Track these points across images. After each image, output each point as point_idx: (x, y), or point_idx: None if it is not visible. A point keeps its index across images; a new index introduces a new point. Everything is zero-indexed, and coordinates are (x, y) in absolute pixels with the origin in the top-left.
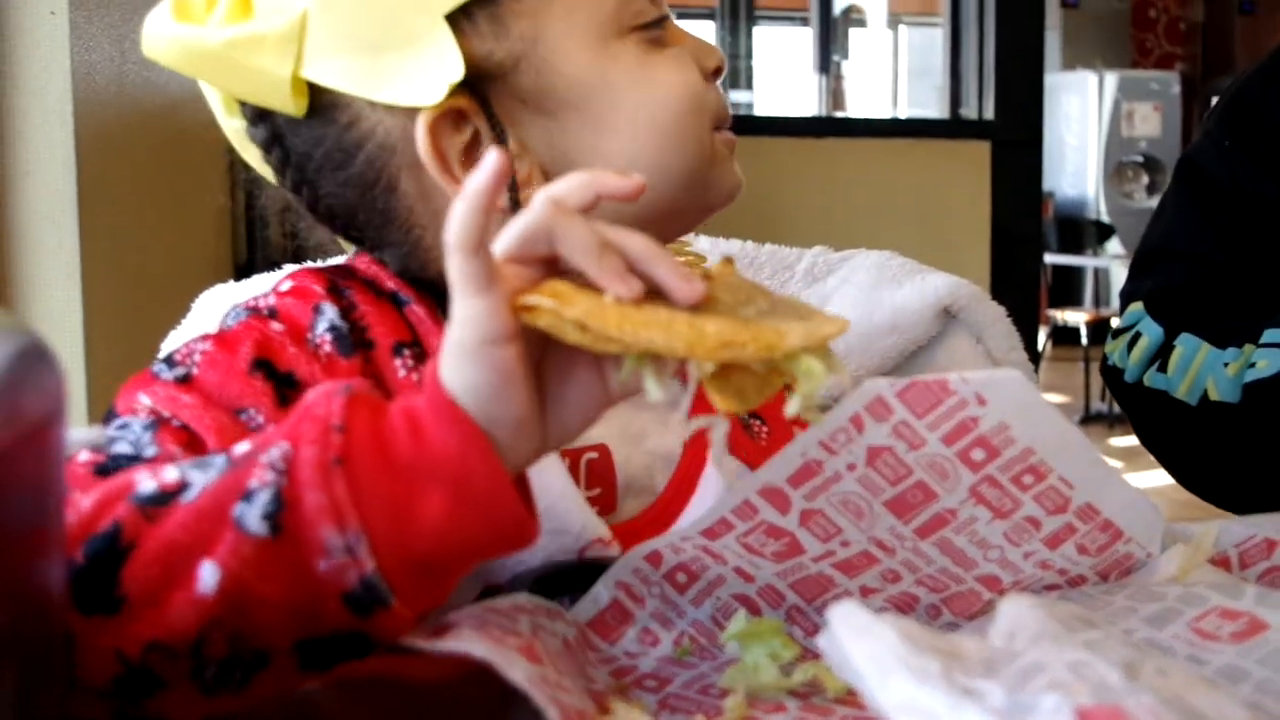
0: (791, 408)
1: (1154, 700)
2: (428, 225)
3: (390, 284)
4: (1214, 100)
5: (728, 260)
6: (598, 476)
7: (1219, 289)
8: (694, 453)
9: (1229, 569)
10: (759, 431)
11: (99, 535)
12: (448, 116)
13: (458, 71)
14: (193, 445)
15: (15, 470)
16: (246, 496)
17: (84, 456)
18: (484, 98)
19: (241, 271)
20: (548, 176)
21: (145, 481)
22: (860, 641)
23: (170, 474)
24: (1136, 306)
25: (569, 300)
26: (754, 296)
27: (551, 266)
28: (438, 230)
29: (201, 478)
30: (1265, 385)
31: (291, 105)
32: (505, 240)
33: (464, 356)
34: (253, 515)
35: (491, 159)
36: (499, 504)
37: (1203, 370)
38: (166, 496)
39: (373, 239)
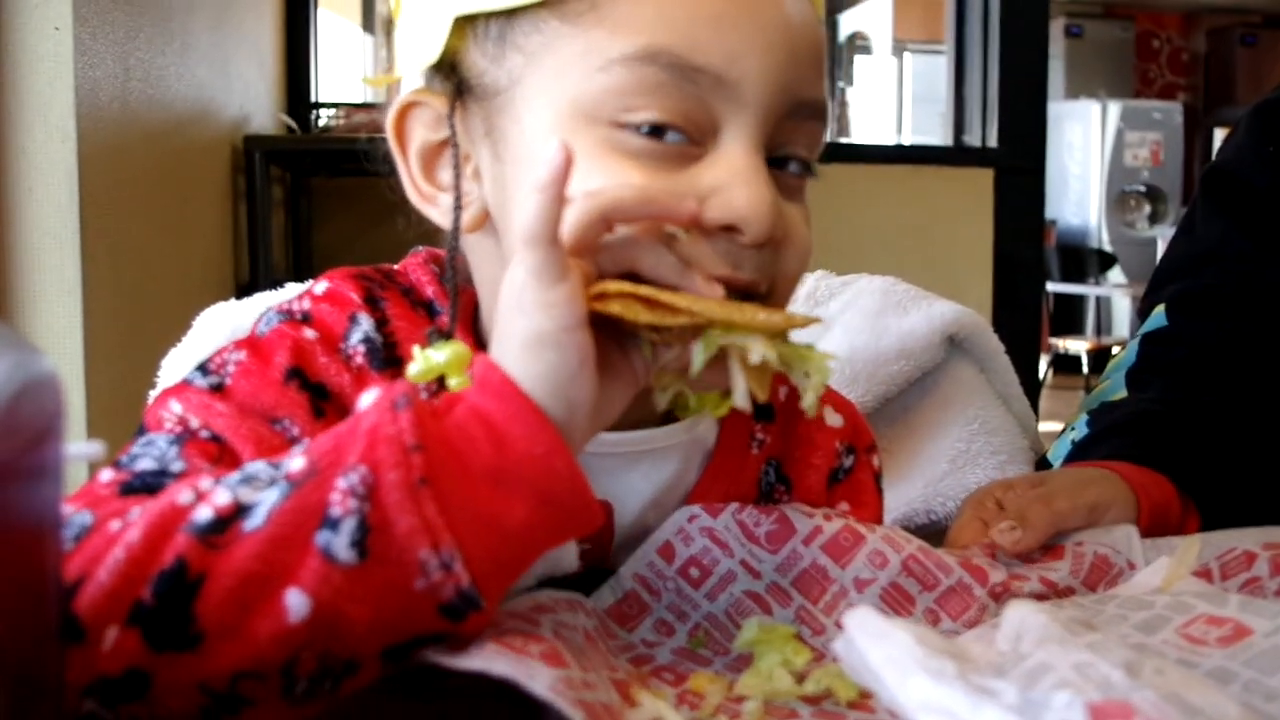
0: (807, 400)
1: (1156, 696)
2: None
3: (430, 291)
4: (1216, 130)
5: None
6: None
7: (1249, 287)
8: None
9: (1210, 580)
10: (780, 497)
11: (165, 573)
12: (424, 109)
13: (431, 56)
14: (223, 457)
15: (11, 485)
16: (330, 524)
17: (106, 476)
18: (463, 112)
19: (243, 290)
20: (488, 215)
21: (200, 510)
22: (877, 645)
23: (221, 496)
24: (1158, 311)
25: (633, 286)
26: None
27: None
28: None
29: (260, 500)
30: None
31: None
32: (565, 231)
33: (543, 344)
34: (340, 543)
35: (554, 148)
36: (578, 502)
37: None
38: (224, 522)
39: None
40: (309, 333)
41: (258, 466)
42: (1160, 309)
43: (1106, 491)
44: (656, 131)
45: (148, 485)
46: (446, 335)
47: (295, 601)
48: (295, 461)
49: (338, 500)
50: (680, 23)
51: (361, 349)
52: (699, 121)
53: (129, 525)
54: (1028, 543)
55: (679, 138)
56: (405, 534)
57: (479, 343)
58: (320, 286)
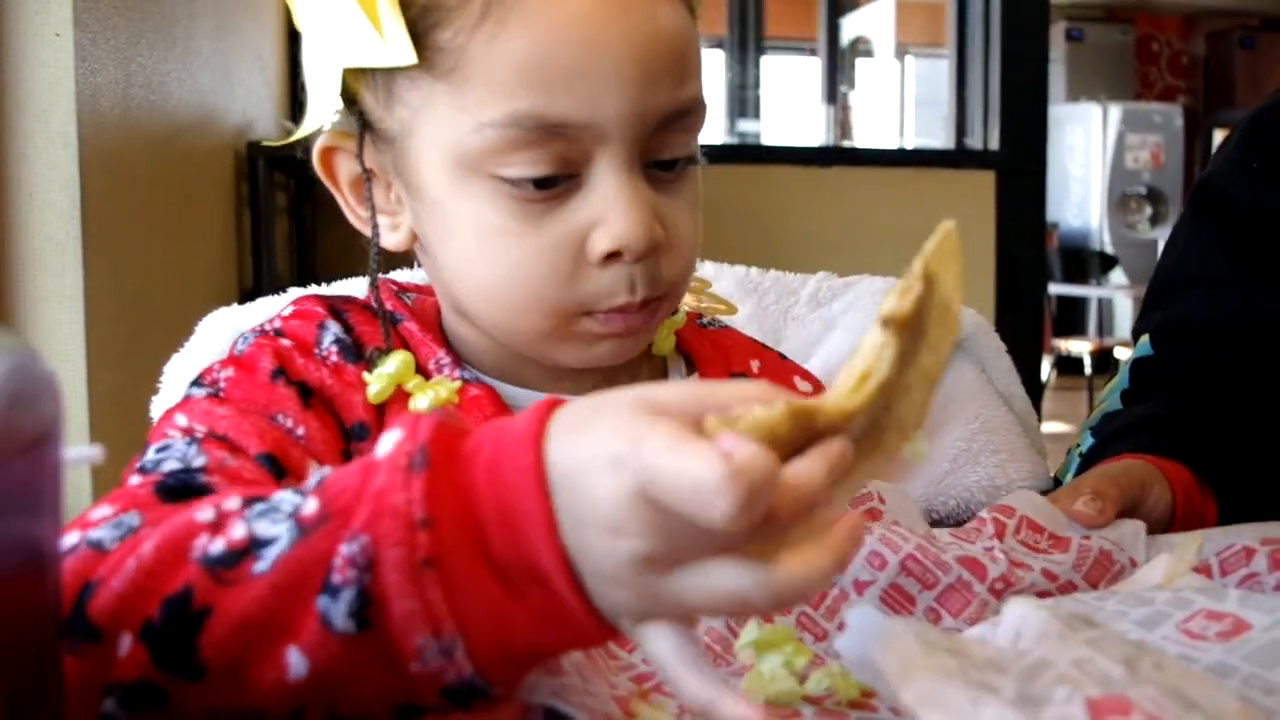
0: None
1: (1155, 691)
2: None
3: (389, 304)
4: (1216, 132)
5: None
6: None
7: (1232, 318)
8: None
9: (1210, 576)
10: None
11: (172, 598)
12: (344, 151)
13: (333, 103)
14: (234, 455)
15: (10, 487)
16: (329, 591)
17: (136, 480)
18: (374, 148)
19: (247, 296)
20: (415, 239)
21: (214, 542)
22: (879, 643)
23: (237, 529)
24: (1144, 340)
25: None
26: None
27: None
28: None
29: (274, 537)
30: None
31: None
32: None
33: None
34: (338, 612)
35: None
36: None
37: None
38: (235, 557)
39: None
40: (285, 342)
41: (282, 496)
42: (1145, 339)
43: (1145, 473)
44: (532, 183)
45: (183, 483)
46: (385, 351)
47: (295, 660)
48: (309, 503)
49: (339, 566)
50: (536, 80)
51: (334, 349)
52: (572, 159)
53: (143, 537)
54: (1109, 513)
55: (555, 182)
56: (403, 617)
57: (446, 343)
58: (287, 309)
